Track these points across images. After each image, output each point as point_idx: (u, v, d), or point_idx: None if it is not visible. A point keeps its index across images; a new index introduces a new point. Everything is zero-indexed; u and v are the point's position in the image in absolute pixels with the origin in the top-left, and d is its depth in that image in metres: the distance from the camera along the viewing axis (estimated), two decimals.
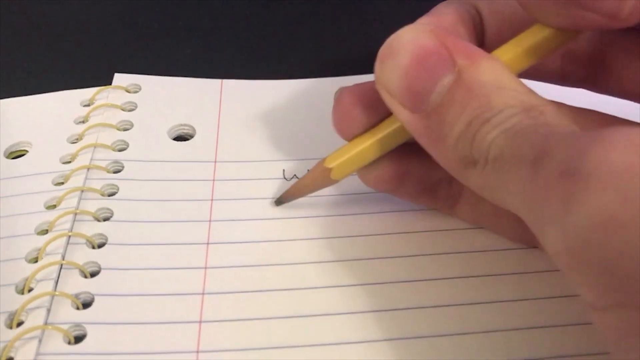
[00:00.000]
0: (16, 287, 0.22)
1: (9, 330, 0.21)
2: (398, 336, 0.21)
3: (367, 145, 0.21)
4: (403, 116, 0.19)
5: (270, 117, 0.28)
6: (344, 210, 0.24)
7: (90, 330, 0.21)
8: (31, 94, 0.29)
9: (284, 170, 0.26)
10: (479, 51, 0.18)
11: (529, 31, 0.19)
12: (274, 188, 0.25)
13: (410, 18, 0.36)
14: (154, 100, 0.29)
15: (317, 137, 0.27)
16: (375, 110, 0.21)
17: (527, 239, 0.23)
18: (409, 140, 0.20)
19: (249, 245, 0.23)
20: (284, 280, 0.22)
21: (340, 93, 0.22)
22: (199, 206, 0.24)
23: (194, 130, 0.27)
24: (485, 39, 0.22)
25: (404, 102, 0.18)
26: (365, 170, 0.22)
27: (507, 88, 0.17)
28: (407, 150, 0.21)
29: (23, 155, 0.27)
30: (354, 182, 0.24)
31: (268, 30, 0.34)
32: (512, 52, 0.19)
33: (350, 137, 0.22)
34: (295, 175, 0.26)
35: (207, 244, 0.23)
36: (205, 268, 0.22)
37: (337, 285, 0.22)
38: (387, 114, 0.20)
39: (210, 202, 0.24)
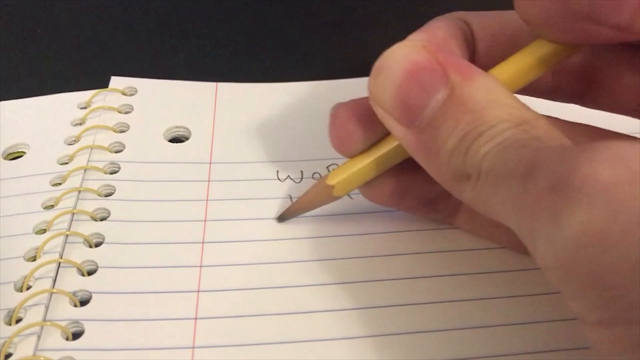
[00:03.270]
0: (15, 285, 0.22)
1: (8, 327, 0.21)
2: (388, 332, 0.21)
3: (368, 163, 0.21)
4: (397, 131, 0.19)
5: (265, 119, 0.29)
6: (334, 212, 0.25)
7: (88, 326, 0.21)
8: (29, 97, 0.30)
9: (277, 171, 0.26)
10: (472, 67, 0.18)
11: (530, 47, 0.19)
12: (267, 189, 0.26)
13: (404, 23, 0.37)
14: (150, 102, 0.29)
15: (311, 139, 0.28)
16: (373, 127, 0.21)
17: (523, 248, 0.23)
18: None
19: (243, 244, 0.24)
20: (277, 279, 0.23)
21: (337, 109, 0.22)
22: (194, 206, 0.25)
23: (189, 132, 0.28)
24: (477, 53, 0.22)
25: (398, 118, 0.18)
26: (366, 186, 0.22)
27: (500, 103, 0.17)
28: (407, 166, 0.21)
29: (21, 156, 0.27)
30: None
31: (262, 34, 0.35)
32: (511, 69, 0.19)
33: (349, 154, 0.22)
34: (289, 176, 0.26)
35: (203, 242, 0.24)
36: (201, 266, 0.23)
37: (328, 283, 0.23)
38: (387, 130, 0.20)
39: (205, 202, 0.25)
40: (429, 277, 0.23)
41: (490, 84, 0.17)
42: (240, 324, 0.21)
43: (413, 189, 0.22)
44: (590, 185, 0.13)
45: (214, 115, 0.29)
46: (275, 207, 0.25)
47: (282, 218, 0.24)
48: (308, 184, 0.26)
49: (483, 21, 0.22)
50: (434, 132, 0.18)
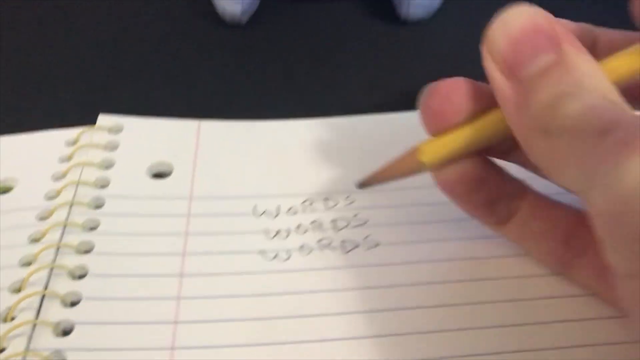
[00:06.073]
0: None
1: None
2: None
3: (461, 132, 0.22)
4: (497, 79, 0.20)
5: (244, 156, 0.30)
6: (310, 244, 0.26)
7: (70, 356, 0.22)
8: (20, 132, 0.31)
9: (255, 205, 0.28)
10: (585, 49, 0.19)
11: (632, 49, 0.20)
12: (245, 223, 0.27)
13: (389, 63, 0.38)
14: (135, 139, 0.31)
15: (288, 175, 0.29)
16: (473, 103, 0.22)
17: (563, 263, 0.24)
18: (493, 145, 0.22)
19: (221, 277, 0.25)
20: (256, 310, 0.24)
21: (436, 87, 0.22)
22: (174, 240, 0.26)
23: (171, 168, 0.29)
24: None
25: (504, 67, 0.20)
26: (444, 171, 0.23)
27: (602, 79, 0.19)
28: (487, 159, 0.22)
29: (9, 191, 0.28)
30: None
31: (244, 73, 0.37)
32: (611, 64, 0.20)
33: (440, 131, 0.22)
34: (265, 210, 0.27)
35: (181, 275, 0.25)
36: (179, 298, 0.24)
37: (313, 315, 0.24)
38: (481, 110, 0.21)
39: (184, 235, 0.26)
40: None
41: (596, 65, 0.19)
42: (218, 356, 0.22)
43: (487, 182, 0.23)
44: None
45: (196, 152, 0.30)
46: (252, 240, 0.26)
47: (363, 185, 0.25)
48: (284, 218, 0.27)
49: (609, 38, 0.23)
50: (531, 86, 0.19)
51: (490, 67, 0.20)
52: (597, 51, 0.23)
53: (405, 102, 0.34)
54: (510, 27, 0.20)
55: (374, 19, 0.41)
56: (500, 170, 0.22)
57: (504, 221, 0.25)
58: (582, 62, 0.19)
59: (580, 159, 0.17)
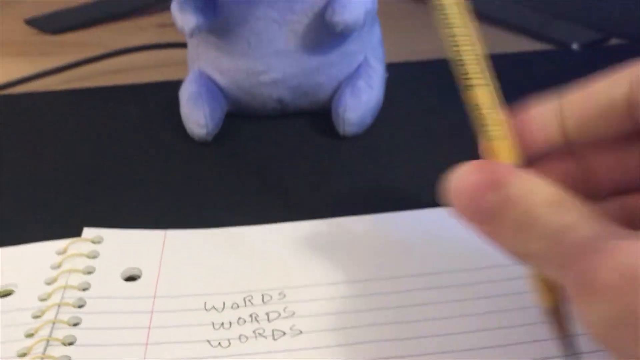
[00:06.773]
0: None
1: None
2: None
3: None
4: (466, 223, 0.23)
5: (200, 259, 0.37)
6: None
7: None
8: (19, 244, 0.38)
9: (205, 302, 0.35)
10: (512, 170, 0.23)
11: None
12: (196, 317, 0.34)
13: (325, 176, 0.45)
14: (113, 249, 0.38)
15: (234, 274, 0.36)
16: None
17: None
18: None
19: None
20: None
21: None
22: (139, 332, 0.33)
23: (140, 272, 0.36)
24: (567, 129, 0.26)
25: (467, 216, 0.23)
26: None
27: (540, 196, 0.21)
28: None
29: (10, 294, 0.35)
30: None
31: (210, 184, 0.44)
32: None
33: None
34: (213, 306, 0.34)
35: None
36: None
37: None
38: None
39: (148, 329, 0.33)
40: None
41: (528, 181, 0.22)
42: None
43: None
44: (606, 285, 0.18)
45: (161, 258, 0.37)
46: (201, 331, 0.33)
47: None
48: (228, 312, 0.34)
49: (572, 100, 0.26)
50: (493, 227, 0.22)
51: (458, 214, 0.23)
52: (564, 116, 0.26)
53: (344, 206, 0.41)
54: (453, 192, 0.24)
55: (317, 134, 0.49)
56: None
57: None
58: (518, 189, 0.22)
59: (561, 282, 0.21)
